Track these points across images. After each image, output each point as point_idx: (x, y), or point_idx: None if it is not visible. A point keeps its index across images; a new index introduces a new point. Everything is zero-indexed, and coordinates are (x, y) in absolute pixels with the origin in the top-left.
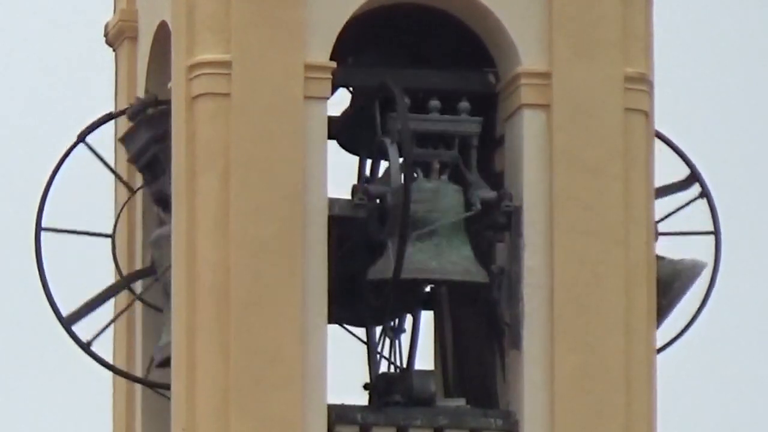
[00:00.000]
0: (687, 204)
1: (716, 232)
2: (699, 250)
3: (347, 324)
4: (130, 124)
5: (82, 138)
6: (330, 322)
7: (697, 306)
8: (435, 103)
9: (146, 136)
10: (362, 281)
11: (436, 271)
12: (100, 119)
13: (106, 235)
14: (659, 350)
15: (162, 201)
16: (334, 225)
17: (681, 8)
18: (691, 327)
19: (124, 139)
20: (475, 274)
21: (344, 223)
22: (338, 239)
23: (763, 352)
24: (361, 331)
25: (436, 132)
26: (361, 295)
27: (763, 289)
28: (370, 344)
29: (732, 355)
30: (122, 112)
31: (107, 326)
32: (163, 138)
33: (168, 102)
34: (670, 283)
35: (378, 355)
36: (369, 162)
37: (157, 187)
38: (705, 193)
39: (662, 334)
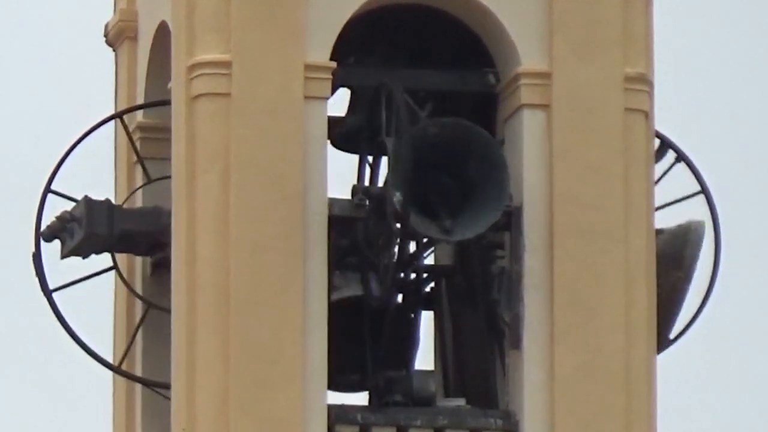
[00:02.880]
0: (666, 173)
1: (704, 190)
2: (692, 215)
3: (348, 390)
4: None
5: (119, 115)
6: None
7: (697, 306)
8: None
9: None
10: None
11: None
12: (96, 124)
13: (111, 268)
14: (659, 350)
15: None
16: (334, 225)
17: (681, 8)
18: (691, 327)
19: (75, 252)
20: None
21: (344, 223)
22: (338, 239)
23: (763, 352)
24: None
25: None
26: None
27: (763, 289)
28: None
29: (732, 355)
30: (121, 113)
31: (131, 342)
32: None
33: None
34: (680, 251)
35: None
36: (369, 159)
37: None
38: (681, 158)
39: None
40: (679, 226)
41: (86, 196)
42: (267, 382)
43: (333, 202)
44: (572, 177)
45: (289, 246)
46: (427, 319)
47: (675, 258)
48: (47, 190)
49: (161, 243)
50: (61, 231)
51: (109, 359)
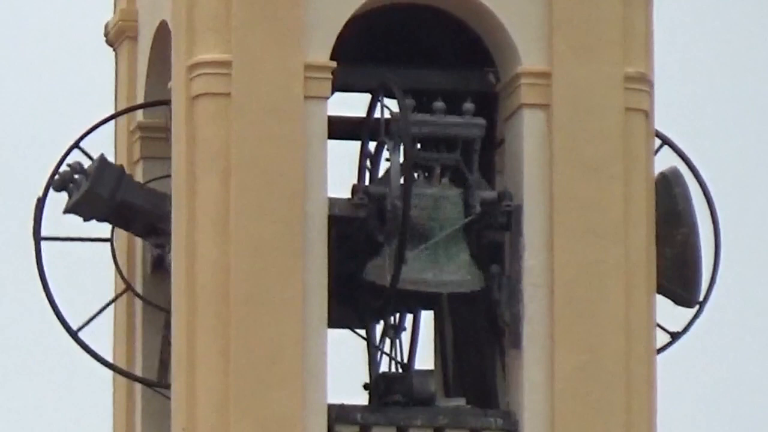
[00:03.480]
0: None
1: (666, 142)
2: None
3: (347, 326)
4: (66, 194)
5: (76, 144)
6: (330, 324)
7: (697, 306)
8: (439, 104)
9: (101, 192)
10: (361, 281)
11: (432, 283)
12: (96, 124)
13: (105, 239)
14: (659, 350)
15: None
16: (334, 225)
17: (681, 8)
18: (691, 326)
19: (76, 209)
20: (471, 282)
21: (344, 223)
22: (338, 239)
23: (763, 352)
24: (361, 331)
25: (440, 135)
26: (360, 296)
27: (763, 289)
28: (370, 342)
29: (732, 355)
30: (121, 113)
31: (96, 315)
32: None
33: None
34: (673, 209)
35: (379, 352)
36: (371, 146)
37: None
38: (665, 142)
39: (662, 335)
40: (659, 182)
41: (102, 155)
42: (267, 382)
43: (333, 202)
44: (572, 177)
45: (289, 246)
46: (427, 319)
47: (672, 218)
48: (75, 145)
49: (159, 229)
50: (70, 181)
51: (110, 359)
